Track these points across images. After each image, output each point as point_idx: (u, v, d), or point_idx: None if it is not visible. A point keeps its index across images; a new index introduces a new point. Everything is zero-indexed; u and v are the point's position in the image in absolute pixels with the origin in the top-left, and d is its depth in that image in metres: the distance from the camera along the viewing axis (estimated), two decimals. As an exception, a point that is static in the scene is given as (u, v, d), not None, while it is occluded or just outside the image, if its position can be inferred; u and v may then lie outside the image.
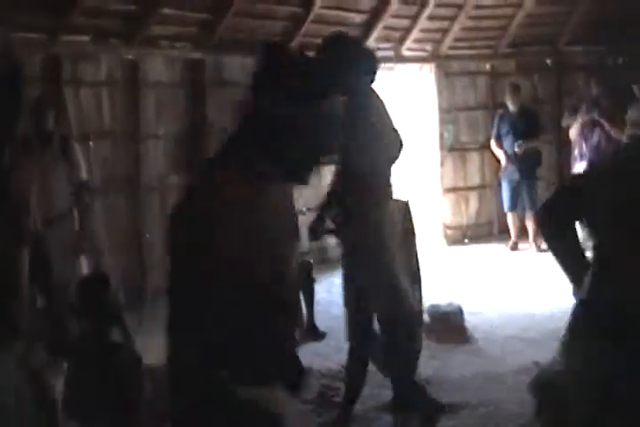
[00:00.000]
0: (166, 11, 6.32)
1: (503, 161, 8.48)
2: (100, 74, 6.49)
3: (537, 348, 5.38)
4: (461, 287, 7.10)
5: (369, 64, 4.25)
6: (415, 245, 4.68)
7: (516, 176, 8.35)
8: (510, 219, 8.66)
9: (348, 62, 3.96)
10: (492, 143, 8.56)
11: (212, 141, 6.96)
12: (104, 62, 6.46)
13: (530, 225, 8.49)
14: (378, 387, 4.56)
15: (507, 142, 8.38)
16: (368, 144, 3.99)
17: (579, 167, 7.77)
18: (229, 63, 7.14)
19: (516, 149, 8.20)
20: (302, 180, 1.97)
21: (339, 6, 7.44)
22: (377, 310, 4.34)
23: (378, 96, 4.24)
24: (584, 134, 7.78)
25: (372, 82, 4.24)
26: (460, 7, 8.36)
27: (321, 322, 5.90)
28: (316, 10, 7.18)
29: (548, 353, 5.23)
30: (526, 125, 8.24)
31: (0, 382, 2.20)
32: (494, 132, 8.52)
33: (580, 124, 7.79)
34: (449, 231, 9.03)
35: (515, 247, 8.63)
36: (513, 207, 8.53)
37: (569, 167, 8.29)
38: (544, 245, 8.36)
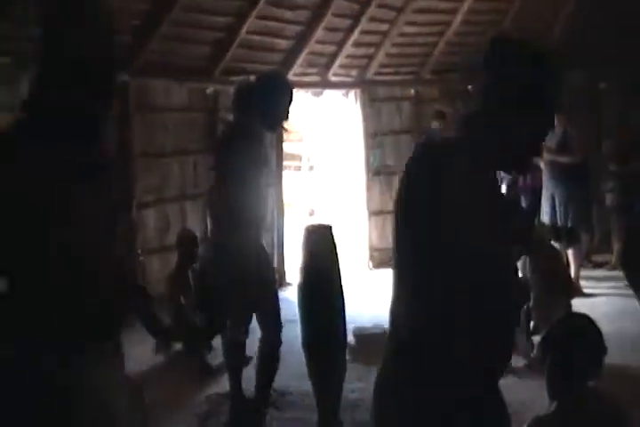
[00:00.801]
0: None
1: None
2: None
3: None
4: (387, 309, 7.16)
5: None
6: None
7: None
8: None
9: None
10: None
11: (137, 167, 6.92)
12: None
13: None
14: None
15: None
16: None
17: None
18: (154, 87, 7.12)
19: None
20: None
21: (264, 32, 7.50)
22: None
23: None
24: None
25: None
26: (384, 34, 8.53)
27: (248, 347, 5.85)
28: (242, 35, 7.23)
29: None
30: None
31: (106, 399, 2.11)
32: None
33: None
34: (375, 254, 9.12)
35: None
36: None
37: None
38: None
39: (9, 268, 1.98)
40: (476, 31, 9.08)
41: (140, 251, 6.92)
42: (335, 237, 4.93)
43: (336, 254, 4.93)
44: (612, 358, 3.29)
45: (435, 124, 8.58)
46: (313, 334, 4.81)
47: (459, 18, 8.73)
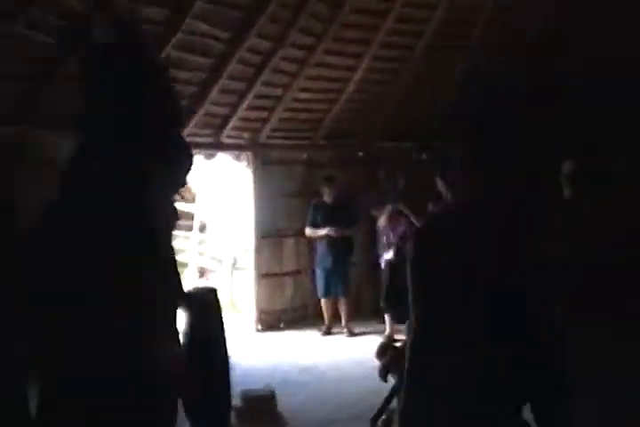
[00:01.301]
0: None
1: (319, 249, 8.74)
2: None
3: (347, 429, 5.50)
4: (275, 372, 7.13)
5: None
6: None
7: (329, 263, 8.62)
8: (324, 304, 8.87)
9: None
10: (308, 230, 8.81)
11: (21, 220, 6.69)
12: None
13: (342, 310, 8.75)
14: None
15: (321, 232, 8.66)
16: None
17: (386, 255, 8.13)
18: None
19: (331, 233, 8.49)
20: None
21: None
22: None
23: None
24: (391, 224, 8.18)
25: None
26: (278, 99, 8.70)
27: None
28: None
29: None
30: (341, 215, 8.58)
31: None
32: (309, 220, 8.79)
33: (387, 214, 8.20)
34: (264, 316, 9.08)
35: (328, 332, 8.81)
36: (326, 293, 8.76)
37: (378, 254, 8.62)
38: (356, 330, 8.64)
39: None
40: (367, 99, 9.39)
41: None
42: (220, 300, 4.89)
43: (220, 318, 4.87)
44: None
45: (324, 189, 8.74)
46: (195, 398, 4.71)
47: (351, 86, 9.00)
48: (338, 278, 8.69)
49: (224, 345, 4.83)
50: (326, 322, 8.86)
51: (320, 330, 8.85)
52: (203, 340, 4.67)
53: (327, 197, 8.73)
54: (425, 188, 8.08)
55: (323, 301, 8.88)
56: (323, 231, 8.61)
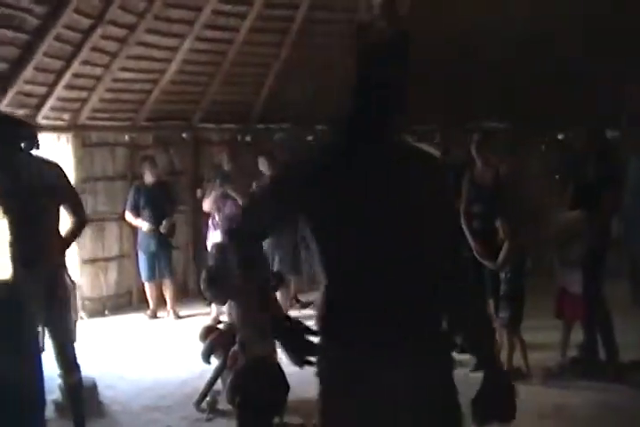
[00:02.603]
0: None
1: (140, 233, 8.58)
2: None
3: (171, 414, 5.45)
4: (98, 361, 6.95)
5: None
6: None
7: (153, 247, 8.49)
8: (148, 288, 8.74)
9: None
10: (128, 214, 8.63)
11: None
12: None
13: (167, 293, 8.66)
14: None
15: (145, 214, 8.50)
16: None
17: (213, 237, 8.09)
18: None
19: (163, 230, 8.40)
20: None
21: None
22: None
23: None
24: (217, 206, 8.14)
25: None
26: (98, 79, 8.40)
27: None
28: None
29: (181, 419, 5.37)
30: (163, 198, 8.47)
31: None
32: (130, 203, 8.61)
33: (213, 196, 8.15)
34: (88, 303, 8.81)
35: (154, 316, 8.69)
36: (151, 277, 8.63)
37: (204, 236, 8.59)
38: (181, 313, 8.59)
39: None
40: (191, 80, 9.28)
41: None
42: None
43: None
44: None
45: (144, 171, 8.59)
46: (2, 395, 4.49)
47: (173, 66, 8.85)
48: (163, 261, 8.58)
49: (35, 334, 4.65)
50: (151, 306, 8.74)
51: (146, 314, 8.71)
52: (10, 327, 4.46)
53: (148, 178, 8.58)
54: (249, 169, 8.24)
55: (147, 284, 8.74)
56: (139, 224, 8.50)
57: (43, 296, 4.41)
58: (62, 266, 4.74)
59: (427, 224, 2.34)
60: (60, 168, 4.69)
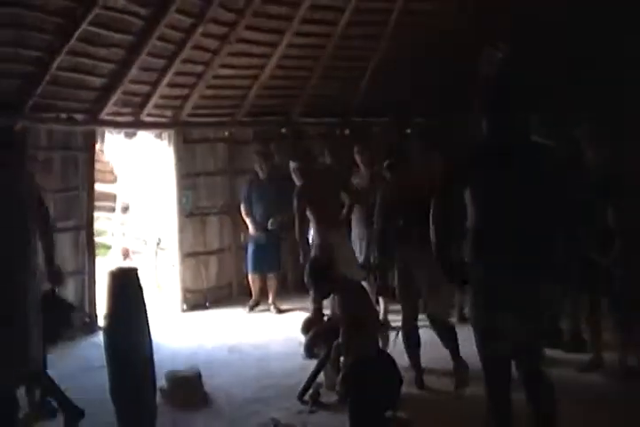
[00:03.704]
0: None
1: (251, 227, 8.68)
2: None
3: (273, 405, 5.52)
4: (201, 352, 7.11)
5: None
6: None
7: (262, 241, 8.60)
8: (252, 279, 8.83)
9: None
10: (242, 209, 8.76)
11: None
12: None
13: (271, 286, 8.74)
14: None
15: (257, 208, 8.62)
16: None
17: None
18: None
19: (270, 227, 8.52)
20: None
21: (75, 68, 7.32)
22: None
23: None
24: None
25: None
26: (199, 76, 8.58)
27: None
28: (53, 71, 7.02)
29: (283, 411, 5.43)
30: (276, 193, 8.46)
31: None
32: (244, 197, 8.74)
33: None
34: (189, 295, 9.02)
35: (254, 308, 8.78)
36: (255, 268, 8.71)
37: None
38: (283, 307, 8.66)
39: None
40: (290, 75, 9.35)
41: None
42: (141, 280, 4.85)
43: (142, 298, 4.84)
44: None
45: (258, 166, 8.69)
46: (120, 380, 4.68)
47: (273, 62, 8.94)
48: (269, 255, 8.68)
49: (146, 325, 4.81)
50: (253, 297, 8.82)
51: (246, 306, 8.82)
52: (125, 321, 4.65)
53: (261, 174, 8.70)
54: (348, 162, 8.24)
55: (251, 276, 8.84)
56: (249, 218, 8.65)
57: None
58: None
59: (543, 192, 3.77)
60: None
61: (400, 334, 5.77)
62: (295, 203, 7.23)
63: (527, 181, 3.75)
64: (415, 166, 5.90)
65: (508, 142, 3.83)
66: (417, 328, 5.75)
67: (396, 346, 5.77)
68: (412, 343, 5.71)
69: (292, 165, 7.70)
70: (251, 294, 8.88)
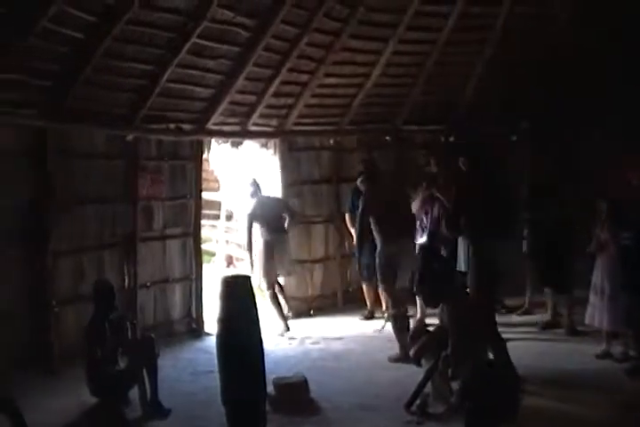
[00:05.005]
0: (11, 76, 6.10)
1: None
2: None
3: (380, 414, 5.48)
4: (307, 359, 7.14)
5: None
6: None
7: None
8: (366, 289, 8.78)
9: None
10: (347, 218, 8.78)
11: (57, 212, 6.75)
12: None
13: (383, 295, 8.66)
14: None
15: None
16: None
17: (420, 239, 8.01)
18: (75, 133, 7.00)
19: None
20: None
21: (185, 80, 7.51)
22: None
23: None
24: (425, 209, 8.07)
25: None
26: (304, 85, 8.65)
27: (166, 398, 5.71)
28: (163, 83, 7.22)
29: (390, 420, 5.38)
30: None
31: None
32: (348, 206, 8.72)
33: (420, 199, 8.10)
34: (294, 303, 9.06)
35: (370, 317, 8.75)
36: (368, 278, 8.60)
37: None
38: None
39: None
40: (394, 83, 9.32)
41: (54, 302, 6.73)
42: (253, 288, 4.93)
43: (254, 304, 4.91)
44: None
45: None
46: (231, 385, 4.75)
47: (378, 70, 8.93)
48: None
49: (258, 332, 4.87)
50: (368, 306, 8.79)
51: (362, 315, 8.80)
52: (237, 326, 4.71)
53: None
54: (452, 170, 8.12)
55: (364, 285, 8.79)
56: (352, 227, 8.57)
57: None
58: None
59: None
60: None
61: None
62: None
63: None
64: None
65: None
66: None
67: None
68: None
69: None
70: (365, 303, 8.84)
